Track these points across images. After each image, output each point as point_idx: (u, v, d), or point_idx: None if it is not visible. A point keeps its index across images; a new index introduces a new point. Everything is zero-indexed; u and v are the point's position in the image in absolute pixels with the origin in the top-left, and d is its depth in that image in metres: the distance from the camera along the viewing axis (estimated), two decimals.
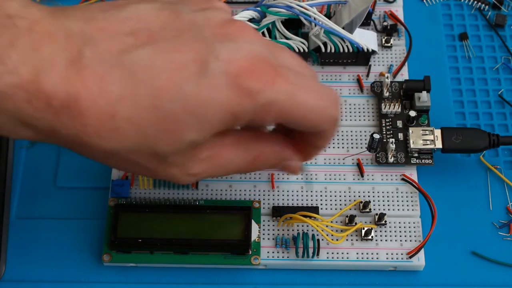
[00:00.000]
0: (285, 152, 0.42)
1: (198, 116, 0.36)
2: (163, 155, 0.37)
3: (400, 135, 0.52)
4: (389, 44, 0.56)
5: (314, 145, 0.43)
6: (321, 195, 0.51)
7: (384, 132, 0.53)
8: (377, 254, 0.49)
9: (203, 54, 0.36)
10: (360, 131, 0.53)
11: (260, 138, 0.42)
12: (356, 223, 0.49)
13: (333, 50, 0.54)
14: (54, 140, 0.36)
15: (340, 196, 0.51)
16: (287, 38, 0.54)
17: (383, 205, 0.50)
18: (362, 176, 0.52)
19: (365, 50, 0.54)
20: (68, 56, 0.34)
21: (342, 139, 0.53)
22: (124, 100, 0.35)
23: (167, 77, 0.35)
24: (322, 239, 0.49)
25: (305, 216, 0.48)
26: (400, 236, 0.49)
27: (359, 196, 0.51)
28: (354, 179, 0.52)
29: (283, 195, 0.51)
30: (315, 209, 0.50)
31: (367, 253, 0.49)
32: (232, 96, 0.36)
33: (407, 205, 0.50)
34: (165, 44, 0.36)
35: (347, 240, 0.49)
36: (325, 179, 0.52)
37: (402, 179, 0.51)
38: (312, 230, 0.49)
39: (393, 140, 0.51)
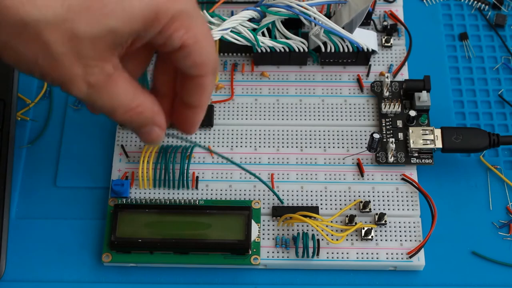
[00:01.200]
0: (160, 116, 0.43)
1: (124, 3, 0.37)
2: (80, 39, 0.37)
3: (400, 135, 0.52)
4: (389, 44, 0.56)
5: (191, 104, 0.44)
6: (321, 195, 0.51)
7: (384, 132, 0.53)
8: (377, 254, 0.49)
9: None
10: (360, 131, 0.53)
11: (148, 92, 0.43)
12: (356, 223, 0.49)
13: (333, 50, 0.54)
14: None
15: (340, 196, 0.51)
16: (287, 38, 0.54)
17: (383, 205, 0.50)
18: (362, 176, 0.52)
19: (365, 50, 0.54)
20: None
21: (342, 139, 0.53)
22: None
23: None
24: (322, 239, 0.49)
25: (305, 216, 0.48)
26: (400, 236, 0.49)
27: (359, 196, 0.51)
28: (354, 179, 0.52)
29: (283, 195, 0.51)
30: (315, 209, 0.50)
31: (367, 253, 0.49)
32: None
33: (407, 205, 0.50)
34: None
35: (347, 240, 0.49)
36: (325, 179, 0.52)
37: (402, 179, 0.51)
38: (312, 230, 0.49)
39: (393, 140, 0.51)
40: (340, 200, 0.51)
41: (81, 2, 0.36)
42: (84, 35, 0.37)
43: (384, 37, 0.57)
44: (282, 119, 0.54)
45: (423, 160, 0.51)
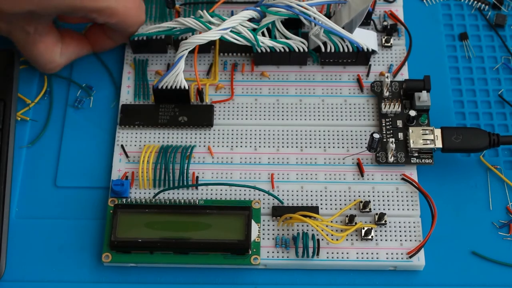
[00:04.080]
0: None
1: None
2: (3, 14, 0.48)
3: (400, 135, 0.52)
4: (389, 44, 0.56)
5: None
6: (321, 195, 0.51)
7: (384, 132, 0.53)
8: (377, 254, 0.49)
9: None
10: (360, 131, 0.53)
11: (64, 49, 0.54)
12: (356, 223, 0.49)
13: (333, 50, 0.54)
14: None
15: (340, 196, 0.51)
16: (287, 38, 0.54)
17: (383, 205, 0.50)
18: (362, 176, 0.52)
19: (365, 49, 0.54)
20: None
21: (342, 139, 0.53)
22: None
23: None
24: (322, 239, 0.49)
25: (305, 216, 0.48)
26: (400, 236, 0.49)
27: (359, 196, 0.51)
28: (354, 179, 0.52)
29: (283, 195, 0.51)
30: (315, 209, 0.50)
31: (367, 253, 0.49)
32: None
33: (407, 205, 0.50)
34: None
35: (347, 240, 0.49)
36: (325, 179, 0.52)
37: (402, 178, 0.51)
38: (312, 230, 0.49)
39: (393, 139, 0.51)
40: (340, 200, 0.51)
41: None
42: (7, 13, 0.48)
43: (384, 37, 0.57)
44: (282, 119, 0.54)
45: (423, 160, 0.51)
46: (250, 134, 0.53)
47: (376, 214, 0.50)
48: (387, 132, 0.53)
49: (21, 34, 0.50)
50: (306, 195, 0.51)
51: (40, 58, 0.53)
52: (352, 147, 0.53)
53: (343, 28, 0.53)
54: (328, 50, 0.54)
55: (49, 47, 0.53)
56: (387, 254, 0.49)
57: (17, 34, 0.50)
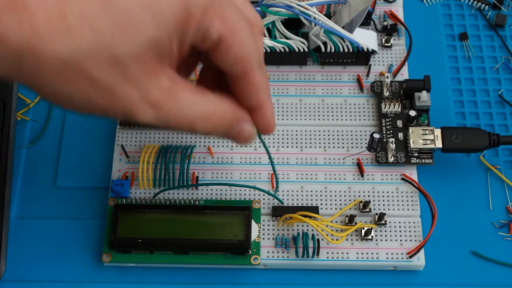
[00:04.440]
0: (240, 112, 0.41)
1: (152, 10, 0.35)
2: (123, 61, 0.35)
3: (400, 135, 0.52)
4: (389, 44, 0.56)
5: (252, 105, 0.42)
6: (321, 195, 0.51)
7: (384, 132, 0.53)
8: (377, 254, 0.49)
9: None
10: (360, 131, 0.53)
11: (219, 96, 0.40)
12: (356, 223, 0.49)
13: (333, 50, 0.54)
14: (2, 58, 0.33)
15: (340, 196, 0.51)
16: (287, 38, 0.54)
17: (383, 205, 0.50)
18: (362, 176, 0.52)
19: (365, 49, 0.54)
20: None
21: (342, 139, 0.53)
22: None
23: None
24: (322, 239, 0.49)
25: (305, 216, 0.48)
26: (400, 236, 0.49)
27: (359, 196, 0.51)
28: (354, 179, 0.52)
29: (283, 195, 0.51)
30: (315, 209, 0.50)
31: (367, 253, 0.49)
32: None
33: (407, 205, 0.50)
34: None
35: (347, 240, 0.49)
36: (325, 179, 0.52)
37: (402, 179, 0.51)
38: (312, 230, 0.49)
39: (393, 140, 0.51)
40: (340, 200, 0.51)
41: (109, 23, 0.34)
42: (125, 55, 0.35)
43: (384, 37, 0.57)
44: (283, 119, 0.54)
45: (423, 160, 0.51)
46: None
47: (376, 214, 0.50)
48: (387, 132, 0.53)
49: (158, 94, 0.38)
50: (306, 195, 0.51)
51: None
52: (352, 147, 0.53)
53: (343, 28, 0.53)
54: (328, 50, 0.54)
55: (196, 88, 0.40)
56: (387, 254, 0.49)
57: (153, 98, 0.38)
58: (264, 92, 0.41)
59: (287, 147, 0.53)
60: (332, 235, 0.49)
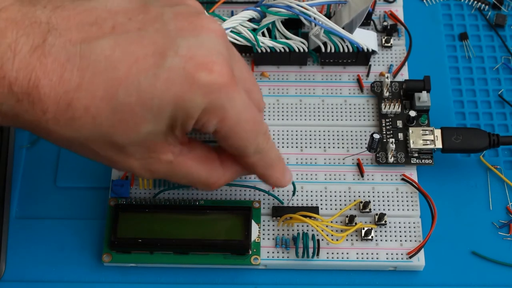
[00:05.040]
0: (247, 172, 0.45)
1: (152, 108, 0.37)
2: (121, 145, 0.38)
3: (400, 135, 0.52)
4: (389, 44, 0.56)
5: (257, 175, 0.45)
6: (321, 195, 0.51)
7: (384, 132, 0.53)
8: (377, 254, 0.49)
9: (163, 48, 0.37)
10: (360, 131, 0.53)
11: (224, 163, 0.43)
12: (356, 223, 0.49)
13: (333, 50, 0.54)
14: (19, 125, 0.38)
15: (340, 196, 0.51)
16: (287, 38, 0.54)
17: (383, 205, 0.50)
18: (362, 176, 0.52)
19: (365, 50, 0.54)
20: (31, 43, 0.35)
21: (342, 139, 0.53)
22: (81, 89, 0.36)
23: (124, 69, 0.36)
24: (322, 239, 0.49)
25: (305, 216, 0.48)
26: (400, 236, 0.49)
27: (359, 196, 0.51)
28: (354, 179, 0.52)
29: (283, 195, 0.51)
30: (315, 209, 0.50)
31: (367, 253, 0.49)
32: (186, 91, 0.37)
33: (407, 205, 0.50)
34: (127, 36, 0.37)
35: (347, 240, 0.49)
36: (325, 179, 0.52)
37: (402, 179, 0.51)
38: (312, 230, 0.49)
39: (393, 140, 0.51)
40: (340, 200, 0.51)
41: (110, 116, 0.37)
42: (124, 143, 0.38)
43: (384, 37, 0.57)
44: (282, 119, 0.54)
45: (423, 160, 0.51)
46: None
47: (376, 214, 0.50)
48: (387, 133, 0.53)
49: (159, 166, 0.41)
50: (306, 195, 0.51)
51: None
52: (352, 148, 0.53)
53: (343, 28, 0.53)
54: (328, 50, 0.54)
55: (201, 160, 0.43)
56: (387, 254, 0.49)
57: (153, 168, 0.41)
58: (264, 169, 0.44)
59: (287, 147, 0.53)
60: (332, 235, 0.49)
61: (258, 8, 0.53)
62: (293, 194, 0.50)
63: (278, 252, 0.49)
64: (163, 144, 0.39)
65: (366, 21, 0.56)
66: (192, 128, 0.39)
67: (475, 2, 0.60)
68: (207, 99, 0.37)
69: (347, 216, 0.49)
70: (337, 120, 0.54)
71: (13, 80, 0.35)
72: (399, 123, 0.53)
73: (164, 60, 0.37)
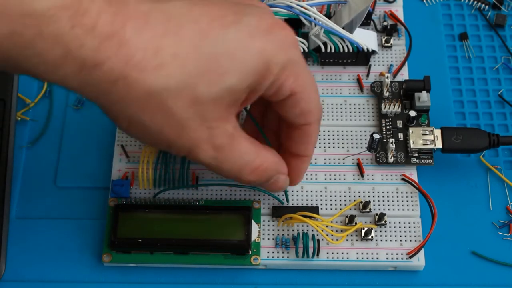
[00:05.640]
0: (282, 165, 0.45)
1: (237, 61, 0.38)
2: (202, 102, 0.38)
3: (400, 135, 0.52)
4: (389, 44, 0.56)
5: (298, 153, 0.45)
6: (321, 195, 0.51)
7: (384, 132, 0.53)
8: (377, 254, 0.49)
9: (238, 10, 0.38)
10: (360, 131, 0.53)
11: (267, 148, 0.44)
12: (356, 223, 0.49)
13: (333, 50, 0.54)
14: (96, 80, 0.35)
15: (340, 196, 0.51)
16: None
17: (383, 205, 0.50)
18: (362, 176, 0.52)
19: (365, 50, 0.54)
20: None
21: (342, 139, 0.53)
22: (167, 36, 0.36)
23: (206, 23, 0.37)
24: (322, 239, 0.49)
25: (305, 216, 0.48)
26: (400, 236, 0.49)
27: (359, 196, 0.51)
28: (354, 179, 0.52)
29: (283, 195, 0.51)
30: (315, 209, 0.50)
31: (367, 253, 0.49)
32: (268, 45, 0.38)
33: (407, 205, 0.50)
34: (200, 2, 0.38)
35: (347, 240, 0.49)
36: (325, 179, 0.52)
37: (402, 179, 0.51)
38: (312, 230, 0.49)
39: (393, 140, 0.51)
40: (340, 200, 0.51)
41: (198, 66, 0.37)
42: (206, 98, 0.38)
43: (384, 37, 0.57)
44: None
45: (423, 160, 0.51)
46: None
47: (376, 214, 0.50)
48: (387, 133, 0.53)
49: (222, 139, 0.40)
50: (306, 195, 0.51)
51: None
52: (352, 147, 0.53)
53: (343, 28, 0.53)
54: (328, 50, 0.54)
55: (250, 138, 0.43)
56: (387, 254, 0.49)
57: (217, 141, 0.40)
58: (313, 145, 0.45)
59: None
60: (332, 235, 0.49)
61: None
62: (287, 200, 0.50)
63: (278, 252, 0.49)
64: (230, 111, 0.39)
65: (366, 21, 0.56)
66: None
67: (475, 2, 0.60)
68: (285, 54, 0.39)
69: (347, 216, 0.49)
70: (337, 120, 0.54)
71: (96, 21, 0.34)
72: (399, 123, 0.53)
73: (242, 18, 0.38)
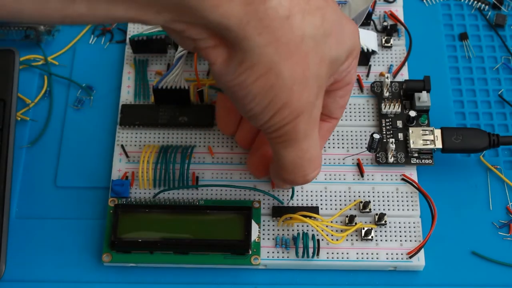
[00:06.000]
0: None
1: (347, 31, 0.40)
2: (324, 61, 0.38)
3: (400, 135, 0.52)
4: (389, 44, 0.56)
5: (333, 117, 0.46)
6: (321, 195, 0.51)
7: (384, 132, 0.53)
8: (377, 254, 0.49)
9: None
10: (360, 131, 0.53)
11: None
12: (356, 223, 0.49)
13: None
14: (261, 12, 0.35)
15: (340, 196, 0.51)
16: None
17: (383, 205, 0.50)
18: (362, 176, 0.52)
19: (365, 50, 0.54)
20: None
21: (342, 139, 0.53)
22: None
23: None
24: (322, 239, 0.49)
25: (305, 216, 0.48)
26: (400, 236, 0.49)
27: (359, 196, 0.51)
28: (354, 179, 0.52)
29: (283, 195, 0.51)
30: (315, 209, 0.50)
31: (367, 253, 0.49)
32: (356, 30, 0.42)
33: (407, 205, 0.50)
34: None
35: (347, 240, 0.49)
36: (325, 179, 0.52)
37: (402, 179, 0.51)
38: (312, 230, 0.49)
39: (393, 140, 0.51)
40: (340, 200, 0.51)
41: (331, 26, 0.38)
42: (327, 57, 0.39)
43: (384, 37, 0.57)
44: None
45: (423, 161, 0.51)
46: None
47: (376, 214, 0.50)
48: (387, 133, 0.53)
49: (317, 112, 0.41)
50: (306, 195, 0.51)
51: None
52: (352, 147, 0.53)
53: None
54: None
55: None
56: (387, 254, 0.49)
57: (314, 113, 0.41)
58: (344, 105, 0.47)
59: None
60: (332, 235, 0.49)
61: None
62: (291, 197, 0.50)
63: (278, 252, 0.49)
64: (326, 83, 0.41)
65: (366, 21, 0.56)
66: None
67: (475, 2, 0.60)
68: (359, 45, 0.42)
69: (347, 216, 0.49)
70: None
71: None
72: (399, 123, 0.53)
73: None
